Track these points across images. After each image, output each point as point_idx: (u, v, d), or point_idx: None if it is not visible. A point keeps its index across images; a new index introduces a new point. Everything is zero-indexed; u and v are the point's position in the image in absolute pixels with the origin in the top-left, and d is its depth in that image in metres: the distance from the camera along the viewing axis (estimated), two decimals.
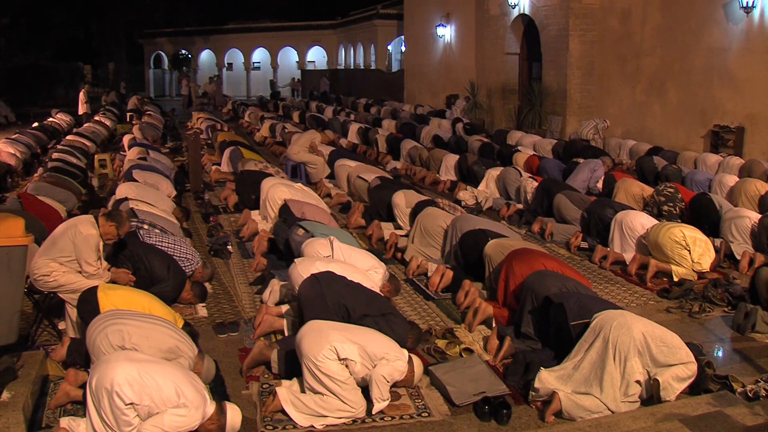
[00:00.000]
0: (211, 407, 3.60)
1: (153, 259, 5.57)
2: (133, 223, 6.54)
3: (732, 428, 3.61)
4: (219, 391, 4.28)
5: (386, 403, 4.01)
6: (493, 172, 9.96)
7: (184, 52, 42.72)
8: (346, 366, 3.94)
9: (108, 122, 17.93)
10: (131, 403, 3.39)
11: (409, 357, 4.22)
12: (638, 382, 3.97)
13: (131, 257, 5.51)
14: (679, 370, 3.99)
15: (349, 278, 4.90)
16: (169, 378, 3.51)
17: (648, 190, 8.51)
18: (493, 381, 4.30)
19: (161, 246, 5.89)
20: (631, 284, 6.38)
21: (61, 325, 5.19)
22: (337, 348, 3.92)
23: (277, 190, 7.96)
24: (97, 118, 18.50)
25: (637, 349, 3.96)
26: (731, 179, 9.02)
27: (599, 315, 4.19)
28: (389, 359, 4.03)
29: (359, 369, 3.96)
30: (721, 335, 5.27)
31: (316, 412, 3.90)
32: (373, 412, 3.97)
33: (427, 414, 4.05)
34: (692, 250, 6.32)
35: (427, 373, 4.45)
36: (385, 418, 3.97)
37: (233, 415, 3.68)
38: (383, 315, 4.61)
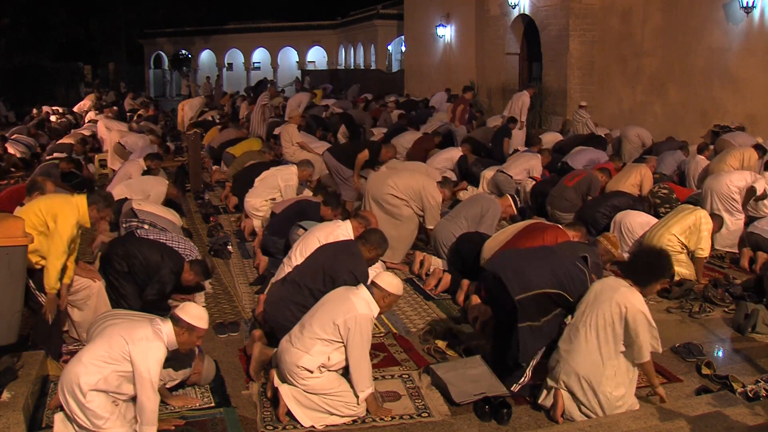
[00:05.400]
0: (164, 324, 3.62)
1: (145, 250, 5.49)
2: (134, 223, 6.54)
3: (732, 428, 3.61)
4: (219, 391, 4.29)
5: (370, 390, 3.94)
6: (487, 174, 9.94)
7: (184, 52, 42.69)
8: (326, 368, 3.88)
9: None
10: (87, 393, 3.46)
11: (372, 282, 4.03)
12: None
13: (125, 256, 5.45)
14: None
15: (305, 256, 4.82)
16: (114, 334, 3.61)
17: (640, 175, 8.54)
18: (494, 383, 4.28)
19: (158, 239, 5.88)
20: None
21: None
22: (305, 366, 3.85)
23: (250, 201, 7.97)
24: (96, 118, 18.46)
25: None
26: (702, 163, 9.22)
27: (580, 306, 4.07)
28: (346, 318, 3.83)
29: (338, 356, 3.88)
30: (721, 335, 5.27)
31: (321, 408, 3.88)
32: (360, 402, 3.91)
33: (427, 414, 4.04)
34: (688, 247, 6.30)
35: (428, 373, 4.46)
36: (386, 418, 3.97)
37: (188, 309, 3.68)
38: (332, 281, 4.42)
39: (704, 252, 6.31)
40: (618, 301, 3.85)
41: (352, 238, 5.15)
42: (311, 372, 3.86)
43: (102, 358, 3.51)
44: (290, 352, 3.91)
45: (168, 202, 8.17)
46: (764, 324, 5.20)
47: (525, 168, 9.56)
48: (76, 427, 3.54)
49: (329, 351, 3.87)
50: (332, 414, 3.90)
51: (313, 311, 4.06)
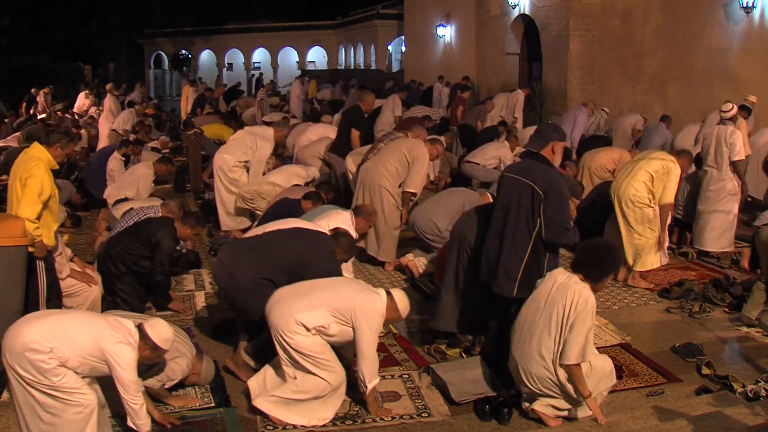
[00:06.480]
0: (135, 332, 3.50)
1: (124, 238, 5.53)
2: None
3: (732, 428, 3.61)
4: (219, 391, 4.29)
5: (377, 380, 3.95)
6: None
7: (184, 52, 42.70)
8: (320, 332, 3.84)
9: None
10: (51, 350, 3.26)
11: (388, 291, 4.07)
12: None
13: (119, 255, 5.46)
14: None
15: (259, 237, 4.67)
16: (81, 323, 3.48)
17: (617, 155, 8.51)
18: (494, 383, 4.28)
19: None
20: (632, 284, 6.37)
21: None
22: (303, 321, 3.81)
23: (224, 158, 7.82)
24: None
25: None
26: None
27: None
28: (364, 306, 3.87)
29: (336, 329, 3.87)
30: (722, 335, 5.27)
31: (295, 398, 3.86)
32: (368, 390, 3.92)
33: (427, 414, 4.05)
34: (655, 194, 6.13)
35: (428, 373, 4.46)
36: (386, 418, 3.98)
37: (157, 329, 3.57)
38: (301, 265, 4.34)
39: (669, 198, 6.13)
40: (573, 297, 3.74)
41: (352, 227, 5.22)
42: (307, 329, 3.80)
43: (70, 338, 3.35)
44: (292, 301, 3.87)
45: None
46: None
47: (494, 156, 9.52)
48: (26, 384, 3.29)
49: (332, 320, 3.85)
50: (304, 400, 3.84)
51: (326, 284, 4.06)
